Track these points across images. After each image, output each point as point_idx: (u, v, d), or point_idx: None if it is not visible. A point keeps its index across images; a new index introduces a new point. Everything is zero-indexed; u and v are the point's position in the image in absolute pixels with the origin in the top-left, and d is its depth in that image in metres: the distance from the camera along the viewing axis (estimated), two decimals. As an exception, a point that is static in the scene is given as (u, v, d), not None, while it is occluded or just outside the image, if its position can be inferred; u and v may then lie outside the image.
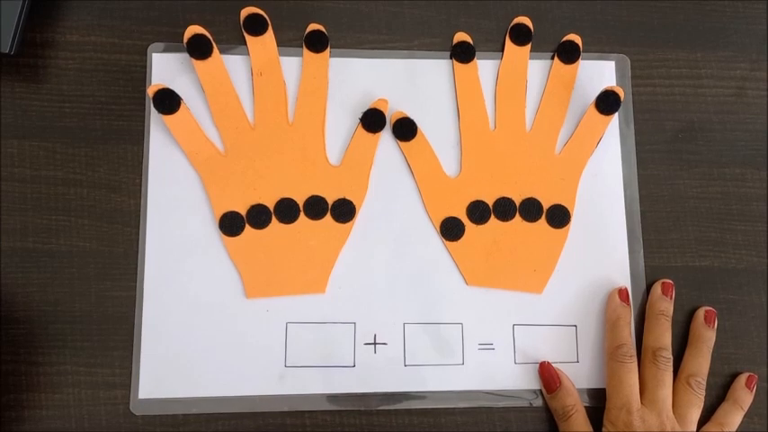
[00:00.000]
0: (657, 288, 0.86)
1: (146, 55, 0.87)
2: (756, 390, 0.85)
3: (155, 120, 0.85)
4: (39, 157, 0.84)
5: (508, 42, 0.90)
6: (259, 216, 0.84)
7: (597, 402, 0.84)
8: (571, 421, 0.81)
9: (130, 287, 0.82)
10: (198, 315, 0.82)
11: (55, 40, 0.87)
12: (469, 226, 0.86)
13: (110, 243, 0.83)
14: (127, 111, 0.86)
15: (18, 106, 0.85)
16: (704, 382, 0.83)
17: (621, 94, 0.87)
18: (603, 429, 0.81)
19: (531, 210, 0.87)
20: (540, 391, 0.83)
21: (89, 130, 0.85)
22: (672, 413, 0.80)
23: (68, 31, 0.87)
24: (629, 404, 0.79)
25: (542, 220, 0.87)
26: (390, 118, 0.87)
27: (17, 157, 0.84)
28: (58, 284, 0.82)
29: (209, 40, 0.85)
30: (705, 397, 0.83)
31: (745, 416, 0.84)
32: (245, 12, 0.87)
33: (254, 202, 0.84)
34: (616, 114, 0.89)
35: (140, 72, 0.87)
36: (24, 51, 0.86)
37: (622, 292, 0.85)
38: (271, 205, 0.84)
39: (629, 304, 0.85)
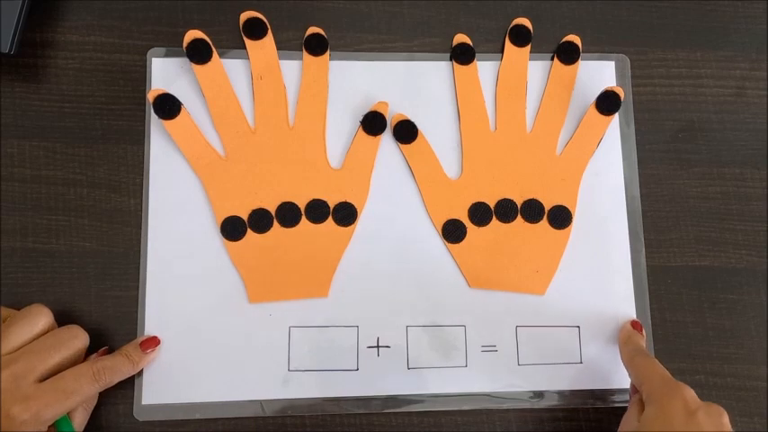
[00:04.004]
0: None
1: (145, 55, 0.87)
2: (756, 390, 0.86)
3: (155, 120, 0.85)
4: (39, 157, 0.84)
5: (508, 44, 0.90)
6: (261, 220, 0.84)
7: (602, 403, 0.84)
8: None
9: (130, 287, 0.82)
10: (200, 320, 0.82)
11: (55, 40, 0.87)
12: (471, 228, 0.86)
13: (110, 243, 0.83)
14: (127, 111, 0.86)
15: (18, 106, 0.85)
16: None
17: (621, 94, 0.88)
18: None
19: (532, 211, 0.87)
20: (543, 392, 0.84)
21: (89, 130, 0.85)
22: None
23: (68, 31, 0.87)
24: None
25: (544, 221, 0.87)
26: (391, 120, 0.87)
27: (17, 157, 0.84)
28: (58, 284, 0.82)
29: (208, 44, 0.85)
30: (705, 397, 0.83)
31: (744, 415, 0.85)
32: (244, 16, 0.87)
33: (255, 207, 0.84)
34: (616, 114, 0.89)
35: (140, 72, 0.87)
36: (24, 51, 0.85)
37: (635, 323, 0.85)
38: (272, 209, 0.84)
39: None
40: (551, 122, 0.89)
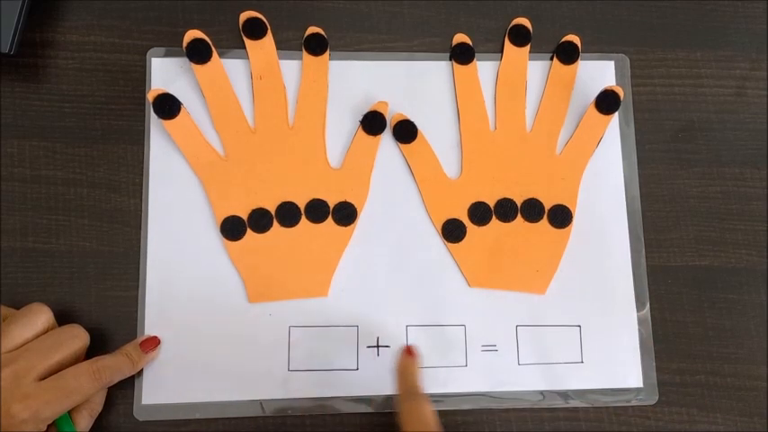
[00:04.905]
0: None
1: (145, 55, 0.87)
2: (756, 390, 0.86)
3: (155, 120, 0.85)
4: (39, 157, 0.84)
5: (507, 43, 0.90)
6: (260, 220, 0.84)
7: (603, 403, 0.84)
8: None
9: (130, 287, 0.82)
10: (200, 320, 0.82)
11: (55, 40, 0.87)
12: (471, 227, 0.86)
13: (110, 243, 0.83)
14: (127, 111, 0.86)
15: (18, 106, 0.85)
16: None
17: (621, 93, 0.87)
18: None
19: (532, 210, 0.87)
20: (543, 392, 0.84)
21: (89, 130, 0.85)
22: None
23: (68, 31, 0.87)
24: None
25: (544, 221, 0.87)
26: (391, 120, 0.87)
27: (17, 157, 0.84)
28: (58, 284, 0.82)
29: (208, 44, 0.86)
30: (705, 397, 0.85)
31: (744, 415, 0.85)
32: (244, 16, 0.87)
33: (255, 207, 0.84)
34: (616, 114, 0.89)
35: (140, 72, 0.87)
36: (24, 51, 0.86)
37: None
38: (272, 209, 0.84)
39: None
40: (551, 122, 0.89)
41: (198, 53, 0.85)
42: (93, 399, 0.75)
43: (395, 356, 0.80)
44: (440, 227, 0.86)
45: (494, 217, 0.86)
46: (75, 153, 0.85)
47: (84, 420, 0.75)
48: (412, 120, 0.87)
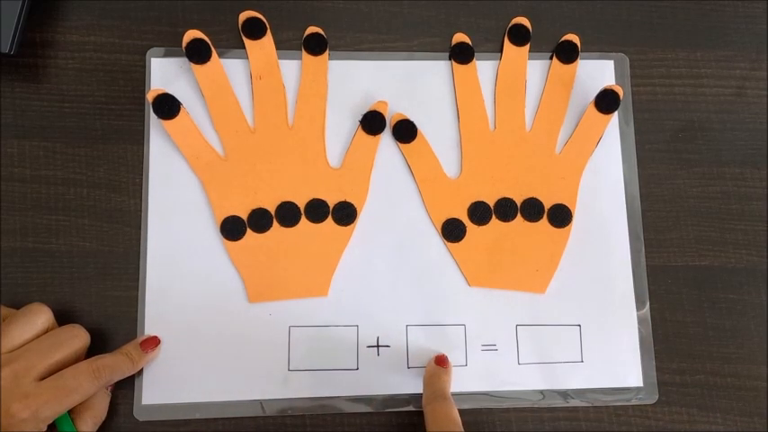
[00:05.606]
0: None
1: (145, 55, 0.87)
2: (756, 390, 0.86)
3: (155, 120, 0.85)
4: (39, 157, 0.84)
5: (507, 43, 0.90)
6: (260, 220, 0.83)
7: (603, 403, 0.84)
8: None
9: (130, 287, 0.82)
10: (200, 320, 0.82)
11: (55, 40, 0.87)
12: (471, 227, 0.86)
13: (110, 243, 0.83)
14: (127, 111, 0.86)
15: (18, 106, 0.85)
16: None
17: (620, 92, 0.88)
18: None
19: (532, 210, 0.87)
20: (543, 392, 0.83)
21: (89, 130, 0.85)
22: None
23: (68, 31, 0.87)
24: None
25: (544, 220, 0.87)
26: (390, 120, 0.87)
27: (17, 157, 0.84)
28: (58, 284, 0.82)
29: (207, 44, 0.85)
30: (705, 397, 0.85)
31: (744, 415, 0.85)
32: (243, 16, 0.87)
33: (255, 206, 0.84)
34: (616, 113, 0.89)
35: (140, 72, 0.87)
36: (24, 51, 0.86)
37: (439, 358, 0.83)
38: (272, 209, 0.84)
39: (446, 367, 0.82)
40: (550, 121, 0.89)
41: (197, 53, 0.85)
42: (96, 405, 0.75)
43: (426, 364, 0.82)
44: (440, 226, 0.86)
45: (493, 216, 0.86)
46: (75, 153, 0.85)
47: (88, 426, 0.74)
48: (412, 119, 0.87)
